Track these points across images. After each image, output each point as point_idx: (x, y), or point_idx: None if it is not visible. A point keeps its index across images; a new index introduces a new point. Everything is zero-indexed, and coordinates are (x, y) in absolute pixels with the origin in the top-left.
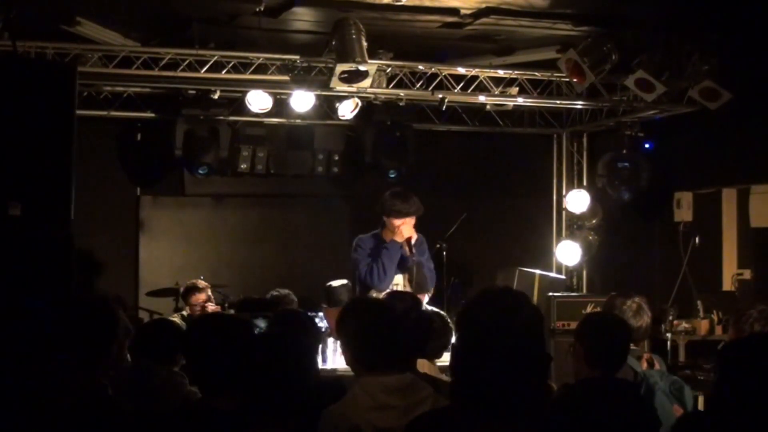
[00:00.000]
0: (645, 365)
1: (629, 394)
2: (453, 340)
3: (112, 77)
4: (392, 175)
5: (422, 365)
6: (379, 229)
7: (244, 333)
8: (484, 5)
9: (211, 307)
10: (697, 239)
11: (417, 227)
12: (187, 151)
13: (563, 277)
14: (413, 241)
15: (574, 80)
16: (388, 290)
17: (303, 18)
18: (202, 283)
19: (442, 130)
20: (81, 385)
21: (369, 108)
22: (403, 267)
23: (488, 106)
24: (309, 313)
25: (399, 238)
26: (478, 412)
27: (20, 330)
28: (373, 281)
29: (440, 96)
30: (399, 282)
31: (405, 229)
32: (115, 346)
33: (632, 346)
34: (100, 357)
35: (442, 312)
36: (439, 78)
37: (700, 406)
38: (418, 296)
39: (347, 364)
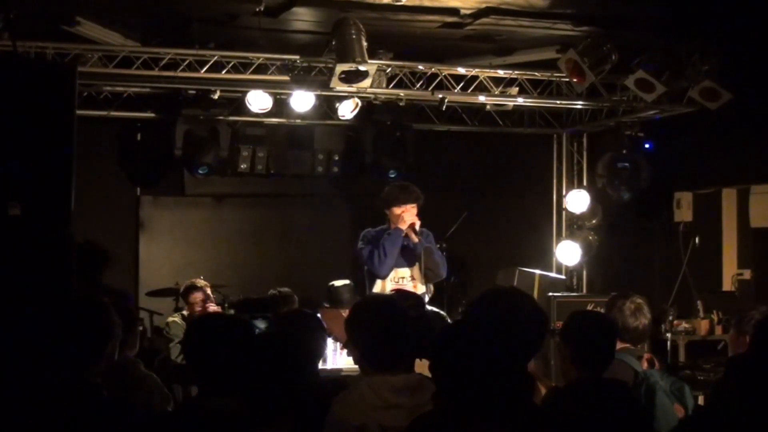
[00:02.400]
0: (645, 365)
1: (620, 395)
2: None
3: (112, 77)
4: (392, 175)
5: (423, 367)
6: (386, 225)
7: (244, 333)
8: (484, 5)
9: (212, 307)
10: (697, 239)
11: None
12: (187, 151)
13: (563, 277)
14: (417, 228)
15: (574, 80)
16: (393, 284)
17: (303, 18)
18: (200, 281)
19: (442, 130)
20: (75, 386)
21: (369, 108)
22: (411, 258)
23: (488, 106)
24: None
25: (402, 225)
26: (472, 412)
27: (13, 330)
28: (374, 266)
29: (440, 96)
30: (406, 275)
31: (407, 215)
32: (111, 347)
33: (631, 347)
34: (94, 358)
35: (442, 312)
36: (439, 78)
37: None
38: (431, 284)
39: (355, 362)
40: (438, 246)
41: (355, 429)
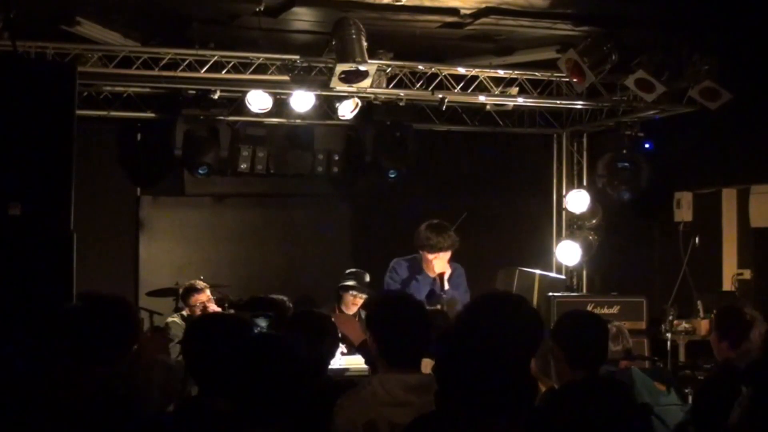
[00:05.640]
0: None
1: (618, 394)
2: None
3: (112, 77)
4: (392, 175)
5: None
6: (417, 254)
7: (244, 333)
8: (484, 5)
9: (212, 307)
10: (697, 239)
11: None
12: (187, 151)
13: (563, 277)
14: (447, 276)
15: (574, 80)
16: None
17: (303, 18)
18: (201, 283)
19: (442, 130)
20: (97, 383)
21: (369, 108)
22: (434, 301)
23: (488, 106)
24: None
25: (431, 273)
26: (475, 413)
27: (45, 327)
28: None
29: (440, 96)
30: None
31: (438, 263)
32: (135, 347)
33: (610, 368)
34: (120, 356)
35: (445, 311)
36: (439, 78)
37: None
38: None
39: (367, 361)
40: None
41: (364, 424)
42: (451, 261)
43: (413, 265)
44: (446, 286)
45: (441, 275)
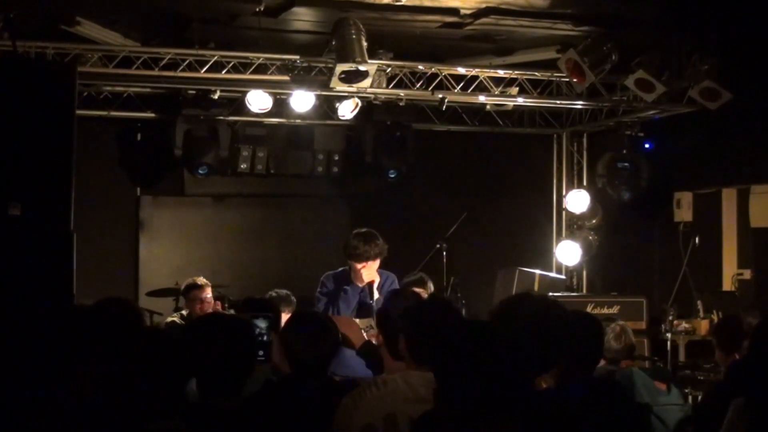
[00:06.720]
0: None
1: (614, 394)
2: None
3: (112, 77)
4: (392, 175)
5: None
6: (348, 266)
7: (244, 333)
8: (484, 5)
9: (212, 306)
10: (697, 239)
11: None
12: (187, 151)
13: (563, 277)
14: (376, 285)
15: (574, 80)
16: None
17: (303, 18)
18: (202, 280)
19: (442, 130)
20: (103, 384)
21: (369, 108)
22: (368, 312)
23: (488, 106)
24: None
25: (359, 283)
26: (472, 413)
27: (52, 329)
28: None
29: (440, 96)
30: (363, 325)
31: (366, 273)
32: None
33: (610, 367)
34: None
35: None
36: (439, 78)
37: None
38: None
39: (398, 354)
40: (438, 246)
41: (385, 418)
42: (382, 269)
43: (342, 277)
44: (376, 295)
45: (370, 284)
